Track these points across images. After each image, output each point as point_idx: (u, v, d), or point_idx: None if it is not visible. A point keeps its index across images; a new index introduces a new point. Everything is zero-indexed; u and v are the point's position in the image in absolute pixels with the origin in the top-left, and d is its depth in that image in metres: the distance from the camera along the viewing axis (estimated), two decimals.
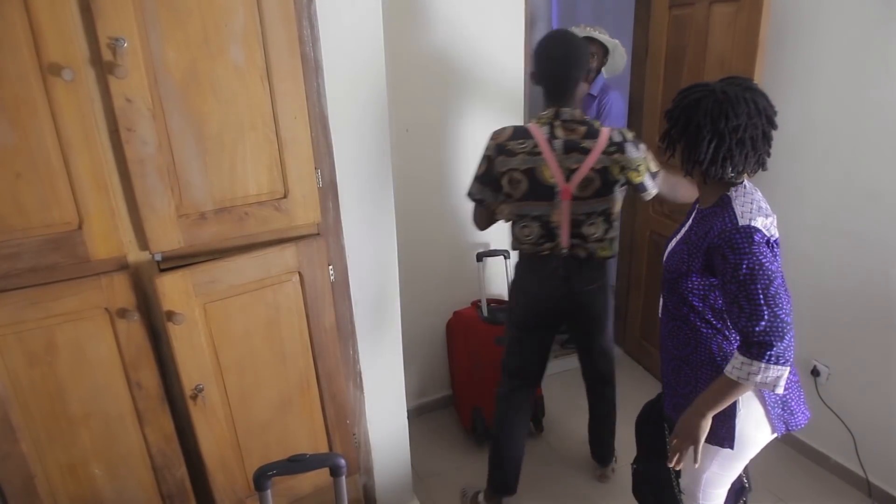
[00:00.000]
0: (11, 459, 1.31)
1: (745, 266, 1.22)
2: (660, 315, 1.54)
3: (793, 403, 1.42)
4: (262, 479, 1.26)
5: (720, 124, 1.24)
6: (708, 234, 1.30)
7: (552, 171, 1.75)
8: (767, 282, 1.22)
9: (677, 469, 1.34)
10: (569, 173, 1.75)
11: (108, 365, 1.36)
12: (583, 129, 1.76)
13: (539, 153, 1.74)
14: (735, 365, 1.26)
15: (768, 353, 1.21)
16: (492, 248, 2.61)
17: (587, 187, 1.76)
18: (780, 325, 1.21)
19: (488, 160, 1.81)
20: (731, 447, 1.39)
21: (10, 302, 1.22)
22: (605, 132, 1.77)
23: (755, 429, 1.39)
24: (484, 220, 1.94)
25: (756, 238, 1.23)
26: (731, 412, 1.38)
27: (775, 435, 1.43)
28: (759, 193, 1.34)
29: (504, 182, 1.80)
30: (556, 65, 1.75)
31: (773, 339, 1.20)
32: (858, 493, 2.21)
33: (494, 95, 2.50)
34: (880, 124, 1.96)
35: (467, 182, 1.89)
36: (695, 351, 1.42)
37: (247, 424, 1.56)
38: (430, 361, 2.74)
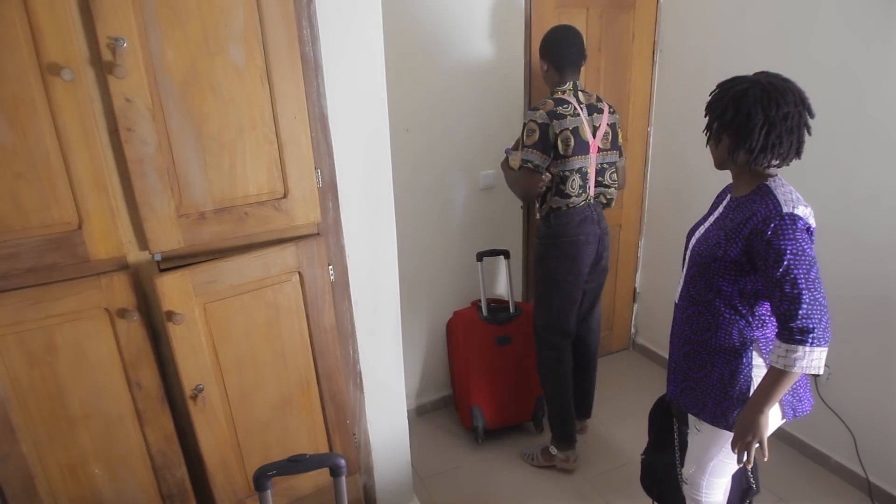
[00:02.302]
0: (11, 459, 1.31)
1: (789, 252, 1.26)
2: (676, 301, 1.55)
3: (801, 390, 1.45)
4: (262, 479, 1.26)
5: (771, 112, 1.27)
6: (750, 219, 1.33)
7: (586, 129, 2.13)
8: (808, 267, 1.26)
9: (749, 466, 1.38)
10: (594, 130, 2.16)
11: (107, 365, 1.36)
12: (594, 95, 2.23)
13: (578, 114, 2.12)
14: (779, 353, 1.28)
15: (810, 336, 1.25)
16: (492, 248, 2.61)
17: (606, 140, 2.20)
18: (819, 308, 1.26)
19: (542, 127, 2.08)
20: None
21: (9, 302, 1.22)
22: (603, 99, 2.25)
23: None
24: (535, 185, 2.14)
25: (799, 225, 1.28)
26: (742, 398, 1.40)
27: (784, 420, 1.45)
28: (791, 186, 1.37)
29: (559, 143, 2.09)
30: (572, 48, 2.15)
31: (812, 322, 1.25)
32: (859, 492, 2.21)
33: (495, 95, 2.50)
34: (880, 124, 1.96)
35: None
36: (714, 336, 1.44)
37: (247, 424, 1.55)
38: (430, 361, 2.74)
